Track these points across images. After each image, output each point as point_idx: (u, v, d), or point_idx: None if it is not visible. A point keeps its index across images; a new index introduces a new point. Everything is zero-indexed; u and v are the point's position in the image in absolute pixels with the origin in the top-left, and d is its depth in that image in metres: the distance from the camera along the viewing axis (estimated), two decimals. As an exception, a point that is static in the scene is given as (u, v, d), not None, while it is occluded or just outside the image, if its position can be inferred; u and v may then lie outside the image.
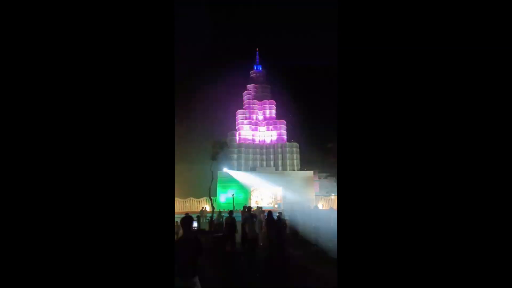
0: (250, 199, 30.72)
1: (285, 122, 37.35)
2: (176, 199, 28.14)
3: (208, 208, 23.95)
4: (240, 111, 37.71)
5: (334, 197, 32.19)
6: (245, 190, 30.72)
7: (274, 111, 38.32)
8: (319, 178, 39.04)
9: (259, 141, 36.45)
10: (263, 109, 38.19)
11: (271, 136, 36.77)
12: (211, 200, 14.05)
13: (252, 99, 38.47)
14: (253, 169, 33.71)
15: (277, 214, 9.38)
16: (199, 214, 14.03)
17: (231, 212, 8.97)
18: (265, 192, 32.89)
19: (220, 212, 13.02)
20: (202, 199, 29.07)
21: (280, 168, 34.42)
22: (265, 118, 37.76)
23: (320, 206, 28.18)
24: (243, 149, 34.62)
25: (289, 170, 33.97)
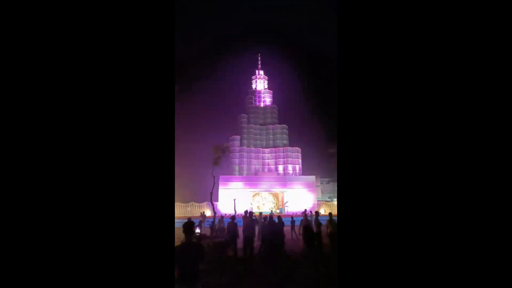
0: (251, 204, 30.64)
1: (286, 126, 37.43)
2: (177, 203, 28.15)
3: (210, 213, 23.91)
4: (242, 115, 37.84)
5: (336, 202, 32.08)
6: (246, 195, 30.65)
7: (276, 116, 38.43)
8: (321, 183, 39.00)
9: (261, 145, 36.48)
10: (265, 113, 38.33)
11: (273, 140, 36.81)
12: (212, 205, 14.01)
13: (254, 104, 38.63)
14: (255, 174, 33.70)
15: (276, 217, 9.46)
16: (200, 219, 13.97)
17: (233, 217, 8.93)
18: (267, 197, 32.84)
19: (222, 217, 12.98)
20: (203, 203, 29.07)
21: (282, 173, 34.38)
22: (267, 123, 37.85)
23: (322, 211, 28.05)
24: (245, 154, 34.64)
25: (291, 174, 33.92)
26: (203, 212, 17.50)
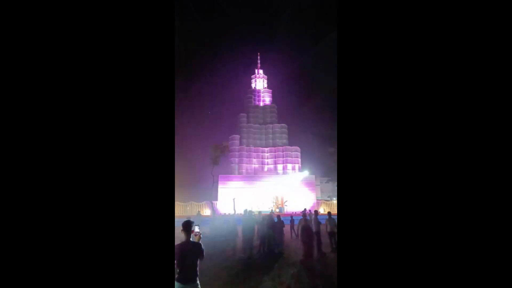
0: (251, 203, 30.65)
1: (286, 126, 37.43)
2: (176, 203, 28.15)
3: (209, 212, 23.93)
4: (241, 115, 37.81)
5: (335, 202, 32.11)
6: (246, 194, 30.65)
7: (275, 115, 38.41)
8: (321, 182, 39.03)
9: (260, 144, 36.48)
10: (264, 112, 38.30)
11: (272, 139, 36.81)
12: (212, 204, 14.03)
13: (253, 103, 38.61)
14: (254, 173, 33.70)
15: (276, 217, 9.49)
16: (192, 219, 13.96)
17: (232, 217, 8.94)
18: (266, 196, 32.89)
19: (223, 217, 12.99)
20: (203, 203, 29.09)
21: (281, 172, 34.40)
22: (266, 122, 37.84)
23: (321, 210, 28.08)
24: (244, 153, 34.63)
25: (290, 174, 33.93)
26: (199, 211, 17.54)
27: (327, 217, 9.44)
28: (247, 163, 34.40)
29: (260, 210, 23.11)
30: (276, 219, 9.11)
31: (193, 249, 2.96)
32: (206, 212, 26.93)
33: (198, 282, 2.96)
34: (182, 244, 2.94)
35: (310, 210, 17.12)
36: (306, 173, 33.07)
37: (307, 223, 8.72)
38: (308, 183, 32.12)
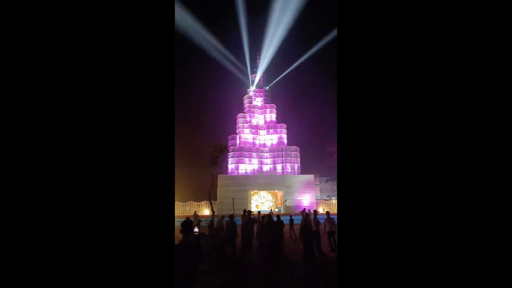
0: (250, 203, 30.66)
1: (285, 125, 37.43)
2: (176, 202, 28.11)
3: (208, 212, 23.92)
4: (240, 114, 37.79)
5: (335, 201, 32.14)
6: (245, 194, 30.66)
7: (274, 115, 38.40)
8: (320, 182, 39.07)
9: (260, 144, 36.47)
10: (263, 112, 38.30)
11: (272, 139, 36.81)
12: (211, 204, 14.03)
13: (252, 103, 38.60)
14: (253, 173, 33.69)
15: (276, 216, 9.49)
16: (191, 219, 13.88)
17: (231, 216, 8.93)
18: (265, 196, 32.89)
19: (223, 217, 12.96)
20: (202, 202, 29.05)
21: (280, 171, 34.40)
22: (265, 122, 37.83)
23: (320, 210, 28.09)
24: (243, 153, 34.62)
25: (290, 173, 33.95)
26: (196, 211, 17.51)
27: (326, 216, 9.45)
28: (246, 163, 34.37)
29: (259, 209, 23.11)
30: (275, 219, 9.10)
31: (192, 250, 2.96)
32: (206, 212, 26.92)
33: (197, 282, 2.97)
34: (181, 244, 2.94)
35: (309, 210, 17.12)
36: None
37: (308, 222, 8.69)
38: (307, 183, 32.13)
